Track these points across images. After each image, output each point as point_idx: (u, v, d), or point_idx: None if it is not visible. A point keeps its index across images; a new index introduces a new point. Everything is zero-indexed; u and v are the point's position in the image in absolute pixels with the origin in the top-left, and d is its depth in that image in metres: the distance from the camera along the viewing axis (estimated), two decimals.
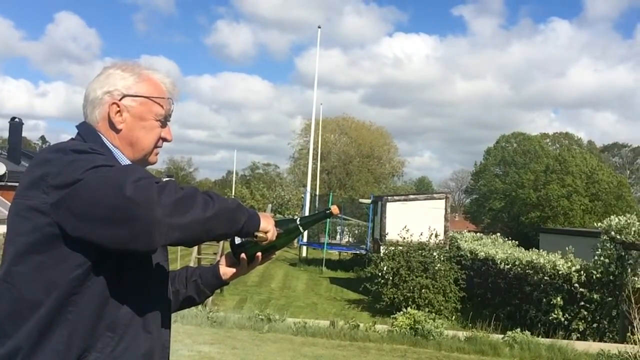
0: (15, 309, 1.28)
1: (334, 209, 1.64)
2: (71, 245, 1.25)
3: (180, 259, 15.43)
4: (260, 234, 1.44)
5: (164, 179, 1.29)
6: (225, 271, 1.68)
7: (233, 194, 43.78)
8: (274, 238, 1.48)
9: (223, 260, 1.70)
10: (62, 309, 1.27)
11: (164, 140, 1.56)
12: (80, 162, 1.26)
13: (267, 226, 1.45)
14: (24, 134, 23.29)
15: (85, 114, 1.51)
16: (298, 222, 1.57)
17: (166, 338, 1.51)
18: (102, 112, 1.47)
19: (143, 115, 1.49)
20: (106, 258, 1.28)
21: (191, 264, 13.37)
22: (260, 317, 9.06)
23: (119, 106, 1.47)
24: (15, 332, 1.27)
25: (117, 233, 1.19)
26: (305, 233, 26.23)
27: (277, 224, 1.51)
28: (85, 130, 1.48)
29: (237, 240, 1.57)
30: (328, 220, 24.45)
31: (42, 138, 72.71)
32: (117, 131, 1.47)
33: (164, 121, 1.54)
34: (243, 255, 1.60)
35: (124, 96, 1.47)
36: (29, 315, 1.26)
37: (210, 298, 12.19)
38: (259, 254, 1.59)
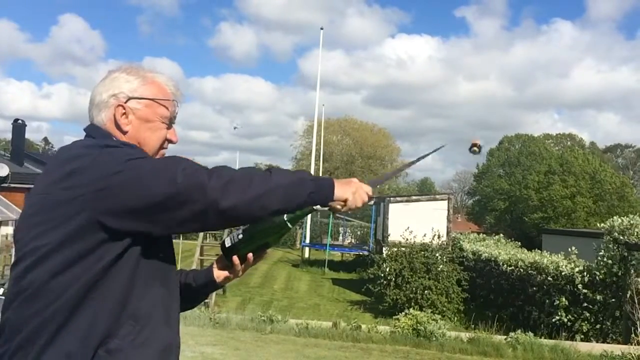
0: (39, 300, 1.30)
1: None
2: (99, 237, 1.29)
3: (184, 260, 15.45)
4: (335, 205, 1.42)
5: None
6: (219, 274, 1.69)
7: None
8: (355, 206, 1.46)
9: (216, 263, 1.71)
10: (87, 294, 1.30)
11: (169, 141, 1.58)
12: (116, 154, 1.32)
13: (344, 194, 1.44)
14: (27, 135, 23.41)
15: (91, 117, 1.53)
16: (285, 218, 1.55)
17: (179, 336, 1.53)
18: (108, 114, 1.50)
19: (149, 117, 1.52)
20: (130, 250, 1.33)
21: (194, 265, 13.41)
22: (262, 318, 9.07)
23: (124, 108, 1.49)
24: (39, 319, 1.29)
25: (174, 217, 1.28)
26: (308, 234, 26.33)
27: None
28: (95, 131, 1.50)
29: (228, 242, 1.59)
30: (330, 221, 24.62)
31: (45, 140, 72.95)
32: (124, 133, 1.50)
33: (169, 123, 1.56)
34: (234, 257, 1.60)
35: (130, 99, 1.50)
36: (53, 302, 1.29)
37: (213, 299, 12.21)
38: (250, 255, 1.59)
